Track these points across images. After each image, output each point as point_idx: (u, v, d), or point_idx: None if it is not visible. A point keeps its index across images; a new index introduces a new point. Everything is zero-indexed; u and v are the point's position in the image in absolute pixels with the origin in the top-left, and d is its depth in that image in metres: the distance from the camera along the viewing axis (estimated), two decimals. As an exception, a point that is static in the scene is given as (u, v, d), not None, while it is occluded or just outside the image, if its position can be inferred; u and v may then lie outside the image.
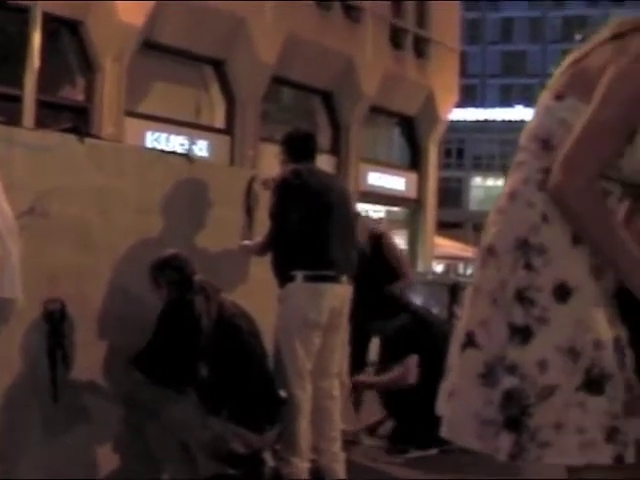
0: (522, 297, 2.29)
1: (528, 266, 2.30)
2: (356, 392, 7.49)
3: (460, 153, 71.05)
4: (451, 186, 61.98)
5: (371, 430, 7.42)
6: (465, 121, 66.50)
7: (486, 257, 2.40)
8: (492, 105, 72.45)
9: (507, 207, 2.40)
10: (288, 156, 5.99)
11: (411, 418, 6.76)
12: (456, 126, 51.14)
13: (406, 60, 24.31)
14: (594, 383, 2.26)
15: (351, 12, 22.31)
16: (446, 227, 34.26)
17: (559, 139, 2.34)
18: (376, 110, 23.47)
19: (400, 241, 26.90)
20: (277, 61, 19.66)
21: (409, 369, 6.88)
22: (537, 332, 2.27)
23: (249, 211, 6.34)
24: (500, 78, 74.80)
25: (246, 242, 6.19)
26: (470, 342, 2.38)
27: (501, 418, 2.28)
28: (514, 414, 2.26)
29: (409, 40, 24.50)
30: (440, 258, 31.25)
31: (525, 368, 2.26)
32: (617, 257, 2.27)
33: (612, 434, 2.26)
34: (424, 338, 6.96)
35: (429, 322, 7.28)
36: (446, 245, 32.25)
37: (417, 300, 11.78)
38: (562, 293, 2.28)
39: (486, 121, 71.01)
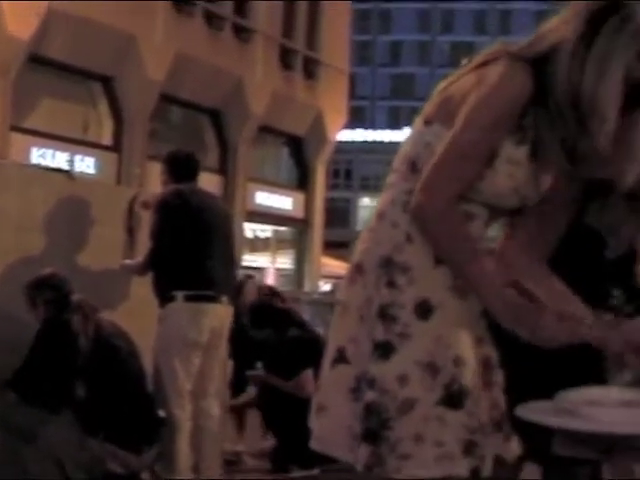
0: (385, 314, 2.35)
1: (391, 284, 2.36)
2: (238, 411, 7.51)
3: (348, 174, 71.59)
4: (339, 206, 62.44)
5: (254, 453, 7.42)
6: (354, 142, 67.00)
7: (354, 275, 2.45)
8: (381, 127, 73.22)
9: (375, 226, 2.46)
10: (170, 176, 6.00)
11: (293, 437, 6.77)
12: (345, 147, 51.46)
13: (295, 81, 24.45)
14: (453, 398, 2.32)
15: (241, 32, 22.38)
16: (333, 247, 34.43)
17: (424, 162, 2.41)
18: (265, 130, 23.53)
19: (287, 260, 27.05)
20: (166, 79, 19.59)
21: (307, 380, 6.90)
22: (399, 348, 2.33)
23: (130, 230, 6.32)
24: (389, 100, 75.69)
25: (127, 261, 6.16)
26: (341, 358, 2.43)
27: (361, 430, 2.34)
28: (373, 426, 2.31)
29: (299, 61, 24.65)
30: (327, 277, 31.37)
31: (386, 382, 2.32)
32: (474, 278, 2.35)
33: (469, 447, 2.32)
34: (316, 354, 6.96)
35: (321, 340, 7.30)
36: (333, 265, 32.38)
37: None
38: (424, 310, 2.34)
39: (374, 142, 71.68)
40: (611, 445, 2.15)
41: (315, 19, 25.34)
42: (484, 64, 2.43)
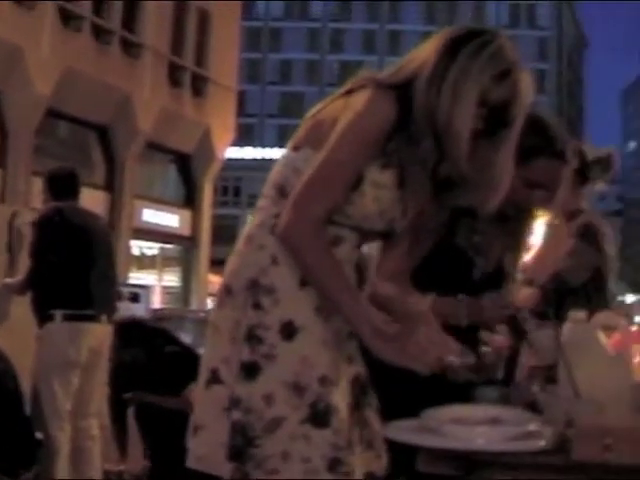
0: (251, 335, 2.38)
1: (257, 305, 2.40)
2: (117, 429, 7.42)
3: (237, 191, 71.46)
4: (227, 223, 62.28)
5: (136, 474, 7.33)
6: (243, 159, 66.94)
7: (223, 297, 2.49)
8: (270, 144, 73.27)
9: (243, 249, 2.49)
10: (50, 194, 5.95)
11: (172, 455, 6.72)
12: (233, 164, 51.42)
13: (184, 98, 24.40)
14: (319, 416, 2.36)
15: (130, 48, 22.25)
16: (221, 264, 34.21)
17: (292, 187, 2.46)
18: (152, 146, 23.40)
19: (174, 278, 26.89)
20: (53, 94, 19.33)
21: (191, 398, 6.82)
22: (264, 368, 2.36)
23: (11, 248, 6.25)
24: (278, 118, 75.91)
25: (7, 280, 6.08)
26: (215, 379, 2.45)
27: (227, 448, 2.37)
28: (239, 445, 2.35)
29: (187, 78, 24.61)
30: (214, 295, 31.31)
31: (252, 402, 2.35)
32: (338, 301, 2.39)
33: (334, 465, 2.36)
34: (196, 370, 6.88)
35: (199, 357, 7.24)
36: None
37: (188, 338, 11.77)
38: (289, 331, 2.38)
39: (263, 160, 71.64)
40: (474, 462, 2.20)
41: (204, 36, 25.34)
42: (352, 91, 2.49)
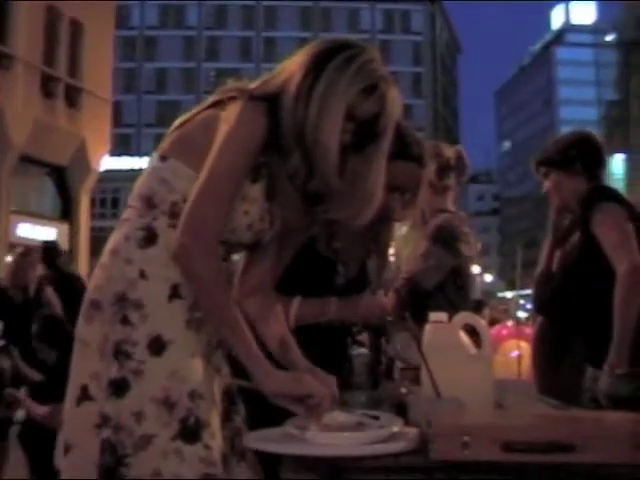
0: (119, 350, 2.35)
1: (125, 320, 2.37)
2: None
3: (115, 202, 70.58)
4: (106, 236, 61.22)
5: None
6: (120, 170, 66.16)
7: (91, 311, 2.44)
8: (147, 154, 72.14)
9: (108, 263, 2.45)
10: None
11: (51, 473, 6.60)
12: (111, 175, 50.70)
13: (57, 109, 24.02)
14: (190, 432, 2.34)
15: (1, 60, 21.82)
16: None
17: (161, 198, 2.44)
18: (26, 160, 22.96)
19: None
20: None
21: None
22: (133, 384, 2.33)
23: None
24: (155, 127, 75.13)
25: None
26: (85, 395, 2.40)
27: (98, 468, 2.33)
28: (109, 463, 2.32)
29: (61, 89, 24.24)
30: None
31: (121, 420, 2.32)
32: (227, 322, 2.37)
33: None
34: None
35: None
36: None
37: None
38: (157, 346, 2.35)
39: (141, 170, 70.52)
40: (338, 467, 2.22)
41: (78, 47, 24.99)
42: (221, 101, 2.49)
